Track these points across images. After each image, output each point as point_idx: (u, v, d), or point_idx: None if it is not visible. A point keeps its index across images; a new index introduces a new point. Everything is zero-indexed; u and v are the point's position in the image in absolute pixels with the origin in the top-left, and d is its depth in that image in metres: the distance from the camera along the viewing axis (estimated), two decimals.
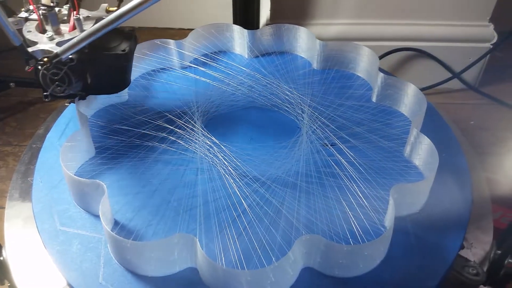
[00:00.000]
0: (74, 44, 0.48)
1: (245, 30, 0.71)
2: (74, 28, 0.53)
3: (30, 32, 0.52)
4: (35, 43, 0.51)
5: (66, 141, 0.52)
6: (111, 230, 0.46)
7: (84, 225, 0.49)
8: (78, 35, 0.49)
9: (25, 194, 0.55)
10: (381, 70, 0.64)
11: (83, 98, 0.54)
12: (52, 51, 0.49)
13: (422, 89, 1.06)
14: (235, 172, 0.54)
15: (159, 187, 0.52)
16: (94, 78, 0.53)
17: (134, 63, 0.67)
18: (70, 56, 0.49)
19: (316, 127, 0.59)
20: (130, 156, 0.56)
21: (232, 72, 0.69)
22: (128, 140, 0.58)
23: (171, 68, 0.70)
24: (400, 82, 0.61)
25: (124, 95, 0.64)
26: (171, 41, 0.69)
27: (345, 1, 1.02)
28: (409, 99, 0.61)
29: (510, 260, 0.52)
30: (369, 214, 0.49)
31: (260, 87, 0.66)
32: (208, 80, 0.67)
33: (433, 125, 0.60)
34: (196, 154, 0.56)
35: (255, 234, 0.47)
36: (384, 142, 0.58)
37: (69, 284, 0.45)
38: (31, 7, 0.54)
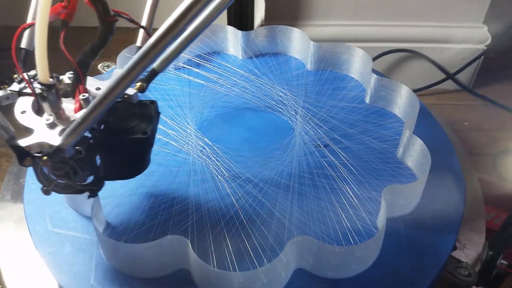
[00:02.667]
0: (78, 130, 0.36)
1: (239, 31, 0.71)
2: (81, 108, 0.40)
3: (23, 113, 0.40)
4: (30, 130, 0.39)
5: None
6: (103, 232, 0.46)
7: (76, 227, 0.49)
8: (81, 115, 0.36)
9: (17, 195, 0.55)
10: (374, 71, 0.64)
11: (94, 194, 0.43)
12: (50, 144, 0.38)
13: (416, 90, 1.07)
14: (228, 173, 0.53)
15: (152, 188, 0.52)
16: (106, 166, 0.42)
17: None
18: (77, 147, 0.38)
19: (309, 129, 0.59)
20: None
21: (225, 73, 0.69)
22: None
23: None
24: (393, 83, 0.62)
25: None
26: None
27: (340, 3, 1.02)
28: (402, 101, 0.61)
29: (502, 261, 0.53)
30: (361, 215, 0.49)
31: (254, 88, 0.66)
32: (201, 81, 0.67)
33: (426, 126, 0.61)
34: (189, 156, 0.56)
35: (247, 236, 0.47)
36: (377, 144, 0.58)
37: (60, 286, 0.45)
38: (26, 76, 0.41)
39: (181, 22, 0.32)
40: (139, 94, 0.41)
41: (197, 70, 0.69)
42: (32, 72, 0.41)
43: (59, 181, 0.40)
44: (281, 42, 0.73)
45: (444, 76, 1.09)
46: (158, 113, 0.44)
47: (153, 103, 0.44)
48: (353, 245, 0.45)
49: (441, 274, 0.47)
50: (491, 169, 0.93)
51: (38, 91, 0.39)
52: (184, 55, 0.71)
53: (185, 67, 0.70)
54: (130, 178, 0.45)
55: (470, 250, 0.52)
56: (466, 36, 1.06)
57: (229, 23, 0.94)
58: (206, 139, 0.58)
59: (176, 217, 0.49)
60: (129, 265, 0.44)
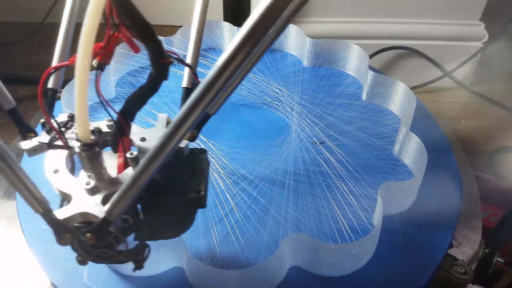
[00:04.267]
0: (128, 195, 0.29)
1: (235, 27, 0.70)
2: (125, 165, 0.34)
3: (56, 173, 0.34)
4: (67, 196, 0.33)
5: None
6: None
7: None
8: (131, 178, 0.29)
9: (10, 193, 0.55)
10: (371, 68, 0.64)
11: (140, 266, 0.36)
12: (94, 215, 0.31)
13: (414, 88, 1.06)
14: (223, 170, 0.53)
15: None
16: (151, 228, 0.36)
17: (122, 60, 0.66)
18: (123, 216, 0.33)
19: (306, 125, 0.59)
20: None
21: None
22: None
23: None
24: (390, 80, 0.61)
25: (111, 92, 0.63)
26: (160, 38, 0.68)
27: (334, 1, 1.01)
28: (399, 97, 0.61)
29: (498, 259, 0.53)
30: (357, 212, 0.49)
31: (250, 85, 0.66)
32: None
33: (423, 123, 0.60)
34: None
35: (242, 233, 0.47)
36: (373, 141, 0.57)
37: (53, 284, 0.44)
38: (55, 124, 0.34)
39: (240, 54, 0.25)
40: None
41: None
42: (60, 117, 0.35)
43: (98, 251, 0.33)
44: (277, 39, 0.73)
45: (441, 73, 1.09)
46: (208, 164, 0.38)
47: (203, 152, 0.38)
48: (348, 243, 0.45)
49: (437, 272, 0.46)
50: (488, 167, 0.93)
51: (73, 145, 0.33)
52: (180, 51, 0.70)
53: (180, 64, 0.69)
54: (172, 238, 0.39)
55: (467, 248, 0.52)
56: (463, 34, 1.06)
57: (225, 19, 0.93)
58: (200, 136, 0.57)
59: None
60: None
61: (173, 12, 1.28)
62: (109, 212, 0.30)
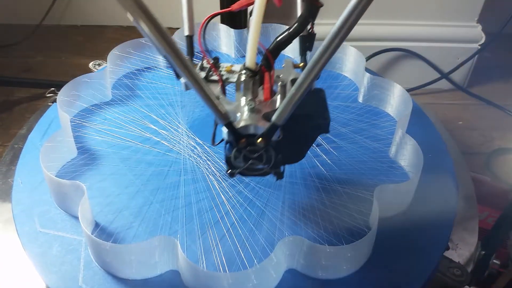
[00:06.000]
0: (288, 108, 0.38)
1: (232, 30, 0.70)
2: (270, 95, 0.42)
3: (219, 99, 0.40)
4: (232, 114, 0.41)
5: (47, 142, 0.51)
6: (92, 232, 0.46)
7: (64, 227, 0.48)
8: (290, 94, 0.37)
9: (5, 195, 0.54)
10: (367, 70, 0.64)
11: (281, 176, 0.44)
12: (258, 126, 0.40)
13: (411, 90, 1.06)
14: (219, 173, 0.53)
15: (142, 188, 0.51)
16: (283, 150, 0.43)
17: (118, 62, 0.66)
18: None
19: None
20: (112, 157, 0.55)
21: None
22: (111, 140, 0.57)
23: (156, 67, 0.70)
24: (386, 82, 0.61)
25: (107, 94, 0.63)
26: None
27: (333, 1, 1.01)
28: (395, 100, 0.61)
29: (494, 261, 0.52)
30: (353, 215, 0.49)
31: None
32: None
33: (419, 125, 0.60)
34: (180, 155, 0.55)
35: (238, 236, 0.47)
36: (370, 143, 0.57)
37: (48, 287, 0.44)
38: (205, 63, 0.45)
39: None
40: None
41: None
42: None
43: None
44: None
45: (438, 75, 1.09)
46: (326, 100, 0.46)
47: (322, 91, 0.46)
48: (344, 245, 0.44)
49: (434, 274, 0.46)
50: (485, 168, 0.93)
51: (243, 79, 0.42)
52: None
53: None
54: (296, 162, 0.47)
55: (463, 250, 0.52)
56: (460, 35, 1.06)
57: (222, 21, 0.93)
58: (197, 138, 0.57)
59: (166, 217, 0.48)
60: (118, 266, 0.43)
61: (169, 13, 1.28)
62: (277, 117, 0.39)
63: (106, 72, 0.63)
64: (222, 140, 0.42)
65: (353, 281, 0.44)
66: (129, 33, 1.27)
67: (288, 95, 0.37)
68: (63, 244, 0.46)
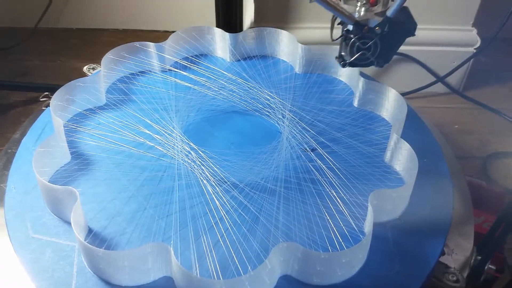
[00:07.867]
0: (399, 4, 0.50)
1: (227, 33, 0.70)
2: (375, 3, 0.53)
3: (341, 2, 0.54)
4: (349, 16, 0.53)
5: (39, 146, 0.51)
6: (84, 238, 0.45)
7: (57, 233, 0.48)
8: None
9: None
10: (362, 74, 0.64)
11: (382, 65, 0.56)
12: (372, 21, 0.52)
13: (406, 93, 1.06)
14: (213, 178, 0.53)
15: (135, 193, 0.51)
16: (381, 48, 0.55)
17: (112, 66, 0.66)
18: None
19: (297, 132, 0.59)
20: (106, 162, 0.55)
21: (213, 76, 0.68)
22: (105, 145, 0.57)
23: (150, 71, 0.69)
24: (381, 86, 0.61)
25: (101, 99, 0.63)
26: (151, 44, 0.68)
27: None
28: (390, 104, 0.61)
29: (490, 266, 0.52)
30: (348, 220, 0.48)
31: (241, 92, 0.65)
32: (188, 84, 0.66)
33: (414, 129, 0.60)
34: (174, 160, 0.55)
35: (232, 242, 0.46)
36: (364, 148, 0.57)
37: None
38: None
39: None
40: None
41: (183, 72, 0.68)
42: None
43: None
44: (269, 45, 0.73)
45: (434, 79, 1.09)
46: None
47: (406, 7, 0.55)
48: (339, 251, 0.44)
49: (429, 280, 0.46)
50: (481, 172, 0.93)
51: None
52: (171, 58, 0.70)
53: (171, 70, 0.69)
54: (383, 64, 0.56)
55: (458, 255, 0.52)
56: (455, 39, 1.06)
57: (217, 25, 0.93)
58: (191, 144, 0.57)
59: (159, 222, 0.48)
60: (111, 273, 0.43)
61: (165, 17, 1.28)
62: (392, 12, 0.51)
63: (100, 76, 0.63)
64: (341, 36, 0.55)
65: (348, 286, 0.44)
66: (125, 36, 1.27)
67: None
68: (56, 250, 0.46)
